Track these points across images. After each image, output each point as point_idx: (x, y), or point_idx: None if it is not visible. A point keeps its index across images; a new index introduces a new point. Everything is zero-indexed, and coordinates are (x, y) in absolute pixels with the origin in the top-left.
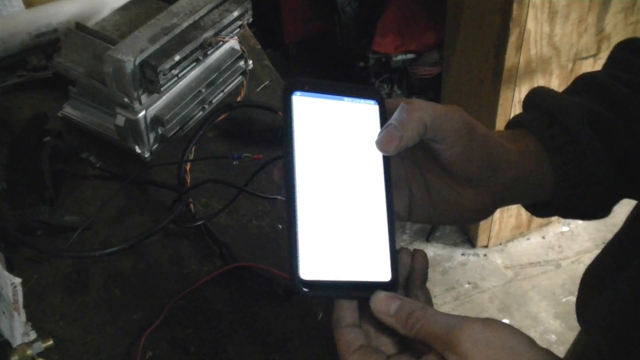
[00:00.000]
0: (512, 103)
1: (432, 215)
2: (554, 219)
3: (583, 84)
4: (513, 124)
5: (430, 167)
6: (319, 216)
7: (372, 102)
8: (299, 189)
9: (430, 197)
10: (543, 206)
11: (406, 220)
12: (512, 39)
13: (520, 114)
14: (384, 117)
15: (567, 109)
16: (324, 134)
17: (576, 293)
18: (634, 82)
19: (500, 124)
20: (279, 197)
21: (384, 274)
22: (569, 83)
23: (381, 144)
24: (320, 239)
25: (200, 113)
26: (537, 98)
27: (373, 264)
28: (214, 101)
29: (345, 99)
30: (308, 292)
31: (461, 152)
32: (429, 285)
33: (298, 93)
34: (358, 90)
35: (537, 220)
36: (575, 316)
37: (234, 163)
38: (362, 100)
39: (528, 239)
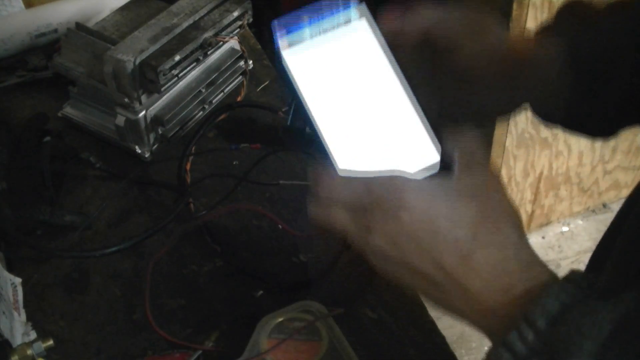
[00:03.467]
0: None
1: (463, 114)
2: (554, 219)
3: None
4: (544, 29)
5: (453, 76)
6: (345, 121)
7: (354, 3)
8: (314, 102)
9: (461, 95)
10: (553, 112)
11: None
12: None
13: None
14: (372, 13)
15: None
16: (322, 57)
17: None
18: None
19: (500, 124)
20: (281, 181)
21: (429, 156)
22: None
23: (382, 21)
24: (352, 138)
25: (200, 113)
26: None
27: (413, 149)
28: (214, 101)
29: (326, 13)
30: None
31: (476, 54)
32: None
33: (284, 32)
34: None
35: (537, 220)
36: None
37: (232, 149)
38: (343, 8)
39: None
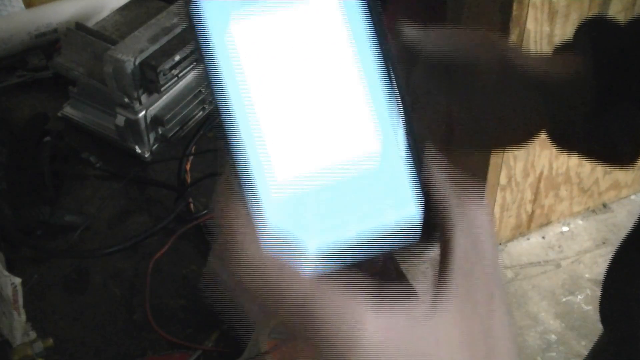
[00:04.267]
0: None
1: (475, 140)
2: (554, 219)
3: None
4: (562, 47)
5: (473, 94)
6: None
7: None
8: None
9: (474, 120)
10: (571, 138)
11: (444, 147)
12: (512, 39)
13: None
14: None
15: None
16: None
17: (576, 293)
18: None
19: None
20: None
21: (407, 214)
22: None
23: (402, 33)
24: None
25: (200, 113)
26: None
27: (386, 200)
28: (214, 101)
29: None
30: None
31: (497, 86)
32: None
33: None
34: None
35: (537, 220)
36: (575, 315)
37: None
38: None
39: (528, 239)
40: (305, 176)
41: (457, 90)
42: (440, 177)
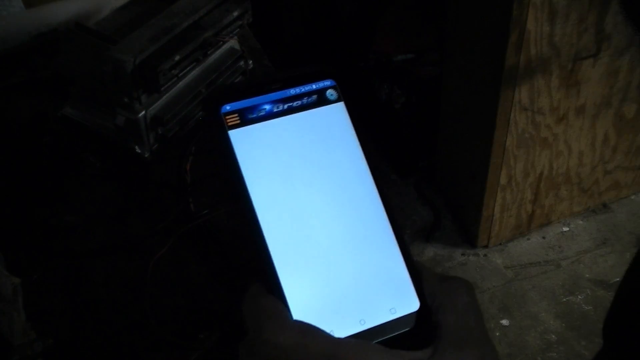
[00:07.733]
0: (512, 103)
1: None
2: (554, 219)
3: None
4: None
5: None
6: (305, 250)
7: (328, 82)
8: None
9: None
10: None
11: None
12: (512, 39)
13: None
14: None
15: None
16: (276, 151)
17: (576, 293)
18: None
19: (500, 124)
20: None
21: (409, 302)
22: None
23: None
24: (311, 273)
25: (201, 113)
26: None
27: (387, 291)
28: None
29: (291, 91)
30: None
31: None
32: None
33: (228, 107)
34: (301, 76)
35: (537, 220)
36: (575, 315)
37: None
38: (314, 86)
39: (528, 239)
40: (323, 279)
41: None
42: (428, 273)
